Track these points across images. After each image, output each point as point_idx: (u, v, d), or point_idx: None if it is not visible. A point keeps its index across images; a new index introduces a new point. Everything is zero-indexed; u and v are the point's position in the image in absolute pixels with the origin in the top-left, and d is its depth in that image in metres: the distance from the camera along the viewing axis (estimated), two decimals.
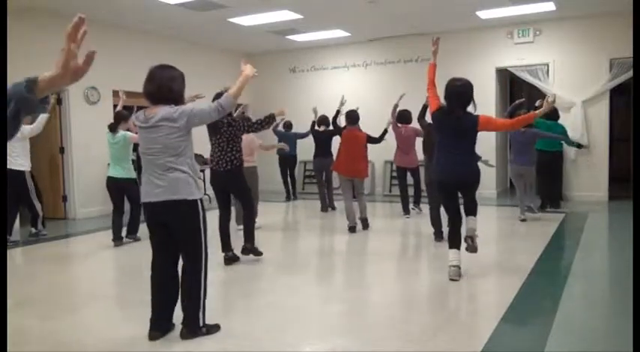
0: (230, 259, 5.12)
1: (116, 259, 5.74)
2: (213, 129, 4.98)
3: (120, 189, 6.15)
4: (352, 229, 6.67)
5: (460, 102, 4.31)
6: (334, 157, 7.22)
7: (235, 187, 5.15)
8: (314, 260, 5.57)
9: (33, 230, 6.67)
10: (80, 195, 8.36)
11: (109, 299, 4.24)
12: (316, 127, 8.44)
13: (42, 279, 4.74)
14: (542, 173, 7.91)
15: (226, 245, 5.15)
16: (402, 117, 7.52)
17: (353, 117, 6.82)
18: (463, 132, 4.33)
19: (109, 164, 6.34)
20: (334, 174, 7.61)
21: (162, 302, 3.24)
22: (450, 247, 4.46)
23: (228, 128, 4.96)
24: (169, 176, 3.10)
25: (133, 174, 6.21)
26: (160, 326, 3.22)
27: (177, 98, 3.15)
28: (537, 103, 8.28)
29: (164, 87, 3.11)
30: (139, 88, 3.26)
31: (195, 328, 3.20)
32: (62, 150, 8.36)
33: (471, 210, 4.54)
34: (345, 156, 6.68)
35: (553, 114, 8.01)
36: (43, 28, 7.83)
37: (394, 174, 10.58)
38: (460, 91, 4.31)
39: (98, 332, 3.36)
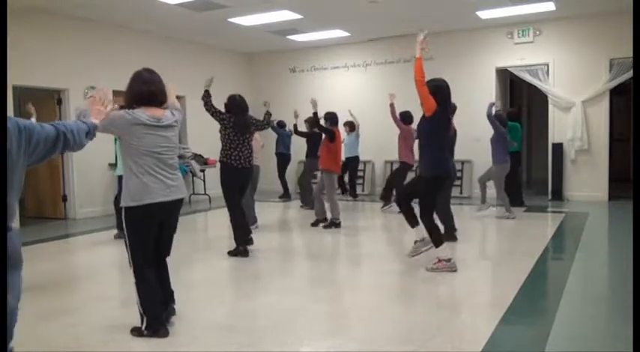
0: (246, 252, 5.38)
1: (116, 259, 5.74)
2: (245, 128, 5.33)
3: None
4: (320, 222, 7.10)
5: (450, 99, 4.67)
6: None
7: (251, 183, 5.58)
8: (313, 259, 5.57)
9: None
10: (80, 195, 8.36)
11: (109, 299, 4.24)
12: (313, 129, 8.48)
13: (41, 279, 4.73)
14: (510, 173, 8.07)
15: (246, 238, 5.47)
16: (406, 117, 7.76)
17: (337, 118, 7.25)
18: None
19: (113, 164, 6.34)
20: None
21: (161, 299, 3.31)
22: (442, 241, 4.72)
23: (254, 127, 5.48)
24: (178, 175, 3.31)
25: None
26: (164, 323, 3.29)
27: (165, 101, 3.33)
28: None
29: (162, 90, 3.27)
30: None
31: None
32: None
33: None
34: (338, 154, 7.04)
35: (514, 116, 8.60)
36: (42, 28, 7.84)
37: None
38: (449, 90, 4.61)
39: (98, 332, 3.36)
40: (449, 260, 4.61)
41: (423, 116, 4.59)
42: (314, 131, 8.41)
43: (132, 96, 3.20)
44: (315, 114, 6.96)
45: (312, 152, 8.57)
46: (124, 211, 3.13)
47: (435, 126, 4.55)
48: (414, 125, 7.88)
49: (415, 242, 4.88)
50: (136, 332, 3.22)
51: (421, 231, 4.73)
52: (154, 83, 3.22)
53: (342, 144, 9.41)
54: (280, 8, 8.17)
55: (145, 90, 3.18)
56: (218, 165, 5.56)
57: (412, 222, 4.76)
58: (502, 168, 7.33)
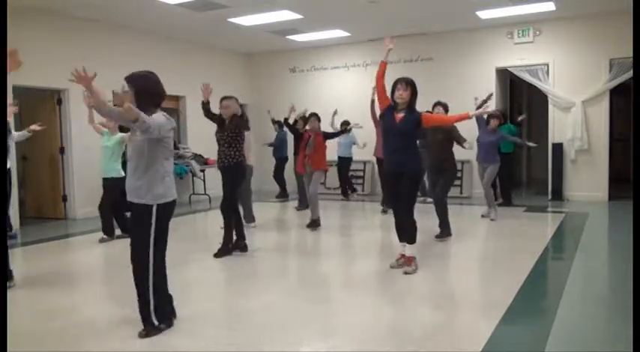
0: (245, 247, 5.52)
1: (116, 259, 5.73)
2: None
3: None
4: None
5: None
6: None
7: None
8: (312, 259, 5.57)
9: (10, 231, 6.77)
10: (80, 195, 8.35)
11: (109, 298, 4.24)
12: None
13: (41, 279, 4.74)
14: (503, 173, 8.15)
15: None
16: None
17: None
18: None
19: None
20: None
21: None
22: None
23: None
24: None
25: None
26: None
27: None
28: (520, 118, 9.15)
29: None
30: None
31: None
32: (62, 150, 8.35)
33: None
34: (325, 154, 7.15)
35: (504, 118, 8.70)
36: (42, 28, 7.84)
37: None
38: None
39: (98, 331, 3.36)
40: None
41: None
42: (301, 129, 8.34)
43: (159, 97, 3.24)
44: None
45: (298, 150, 8.49)
46: (156, 209, 3.15)
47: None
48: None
49: (402, 256, 4.80)
50: (146, 330, 3.18)
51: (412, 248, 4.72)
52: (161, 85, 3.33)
53: (337, 144, 9.45)
54: (280, 8, 8.17)
55: (163, 93, 3.28)
56: (215, 166, 5.62)
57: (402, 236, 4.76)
58: (497, 167, 7.44)
